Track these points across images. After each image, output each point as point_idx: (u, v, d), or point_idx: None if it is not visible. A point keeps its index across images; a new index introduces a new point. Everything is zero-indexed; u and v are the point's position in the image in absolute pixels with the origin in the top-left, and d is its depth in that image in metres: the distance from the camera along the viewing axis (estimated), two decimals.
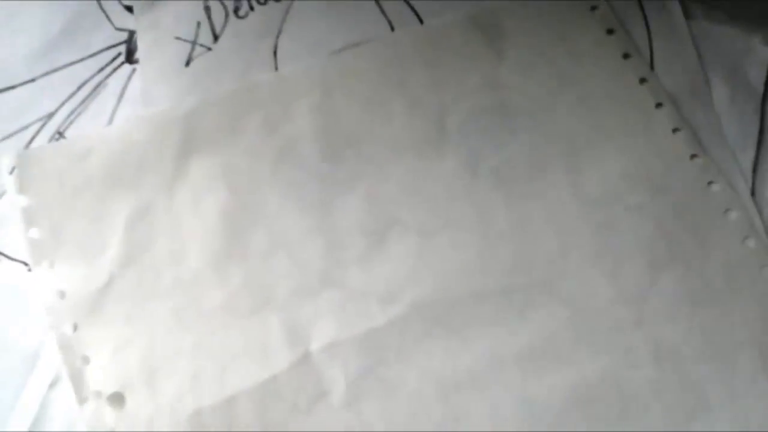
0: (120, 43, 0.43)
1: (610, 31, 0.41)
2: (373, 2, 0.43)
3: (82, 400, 0.34)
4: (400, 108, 0.39)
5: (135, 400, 0.34)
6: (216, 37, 0.42)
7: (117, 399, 0.34)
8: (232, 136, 0.39)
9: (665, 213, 0.37)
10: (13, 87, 0.42)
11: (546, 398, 0.34)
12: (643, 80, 0.40)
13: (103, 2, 0.44)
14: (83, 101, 0.41)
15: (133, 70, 0.42)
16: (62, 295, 0.36)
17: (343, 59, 0.40)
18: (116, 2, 0.43)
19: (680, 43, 0.41)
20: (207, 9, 0.43)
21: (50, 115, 0.41)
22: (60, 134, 0.40)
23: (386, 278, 0.36)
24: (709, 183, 0.37)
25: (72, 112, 0.41)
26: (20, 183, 0.38)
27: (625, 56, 0.40)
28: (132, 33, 0.43)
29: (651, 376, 0.34)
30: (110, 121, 0.41)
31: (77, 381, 0.35)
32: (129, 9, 0.44)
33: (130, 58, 0.42)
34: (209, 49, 0.42)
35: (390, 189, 0.38)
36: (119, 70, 0.42)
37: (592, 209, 0.37)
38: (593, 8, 0.41)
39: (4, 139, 0.41)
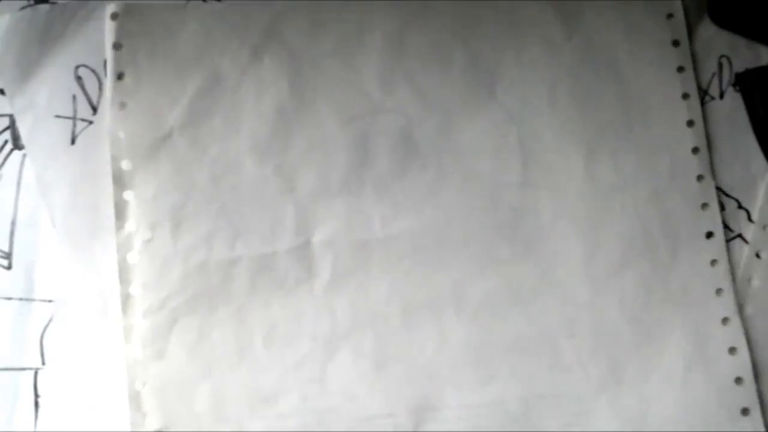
0: (3, 130, 0.42)
1: (675, 43, 0.44)
2: None
3: (119, 228, 0.40)
4: (459, 61, 0.43)
5: (160, 239, 0.40)
6: (94, 109, 0.42)
7: (147, 237, 0.40)
8: (307, 45, 0.43)
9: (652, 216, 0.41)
10: None
11: (490, 339, 0.39)
12: (686, 96, 0.43)
13: None
14: None
15: (24, 156, 0.42)
16: (124, 134, 0.42)
17: (419, 2, 0.44)
18: None
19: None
20: (79, 79, 0.43)
21: None
22: None
23: (396, 202, 0.41)
24: (703, 205, 0.41)
25: None
26: (119, 29, 0.43)
27: (679, 69, 0.43)
28: (13, 117, 0.42)
29: (582, 346, 0.39)
30: (14, 212, 0.41)
31: (121, 214, 0.41)
32: (2, 92, 0.42)
33: (17, 143, 0.42)
34: (90, 122, 0.42)
35: (427, 128, 0.42)
36: (10, 158, 0.42)
37: (598, 190, 0.41)
38: (669, 16, 0.44)
39: None
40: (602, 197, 0.41)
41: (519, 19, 0.44)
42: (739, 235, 0.42)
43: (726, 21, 0.44)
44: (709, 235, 0.41)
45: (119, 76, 0.42)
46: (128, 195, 0.41)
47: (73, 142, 0.42)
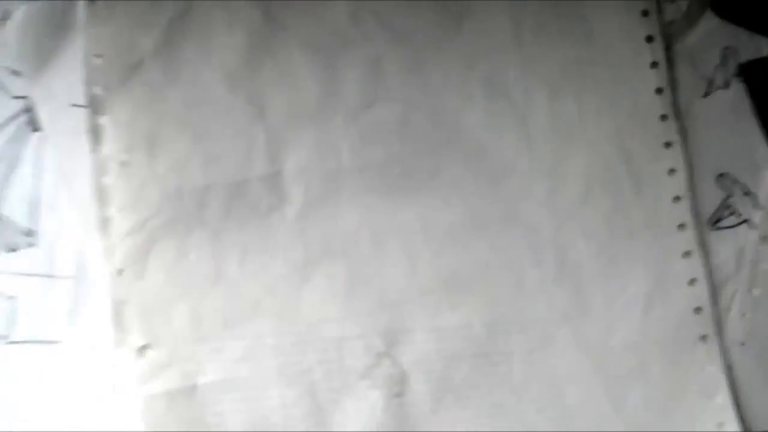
0: (21, 112, 0.42)
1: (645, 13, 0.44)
2: None
3: (95, 152, 0.41)
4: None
5: (137, 162, 0.41)
6: None
7: (123, 159, 0.41)
8: None
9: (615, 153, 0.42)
10: None
11: (457, 267, 0.41)
12: (650, 38, 0.44)
13: None
14: (4, 177, 0.41)
15: (42, 137, 0.42)
16: (99, 60, 0.42)
17: None
18: (5, 69, 0.42)
19: None
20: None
21: None
22: None
23: (364, 133, 0.42)
24: (666, 144, 0.43)
25: None
26: None
27: (644, 13, 0.44)
28: (31, 99, 0.42)
29: (547, 275, 0.41)
30: (35, 192, 0.41)
31: (97, 138, 0.41)
32: (19, 73, 0.42)
33: (35, 125, 0.42)
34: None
35: (394, 61, 0.43)
36: (29, 140, 0.42)
37: (561, 127, 0.42)
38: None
39: None
40: (565, 134, 0.42)
41: None
42: (747, 221, 0.43)
43: (728, 12, 0.44)
44: (672, 171, 0.43)
45: (92, 1, 0.42)
46: (103, 120, 0.41)
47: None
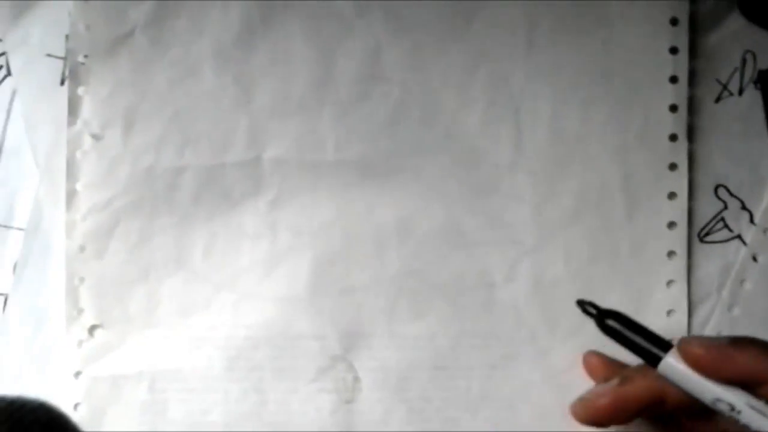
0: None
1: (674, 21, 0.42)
2: None
3: (71, 124, 0.40)
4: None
5: (111, 139, 0.40)
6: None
7: (97, 133, 0.40)
8: None
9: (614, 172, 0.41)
10: None
11: (429, 274, 0.40)
12: (674, 50, 0.41)
13: None
14: None
15: (13, 83, 0.41)
16: (85, 27, 0.41)
17: None
18: None
19: None
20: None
21: None
22: None
23: (352, 127, 0.41)
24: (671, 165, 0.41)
25: None
26: None
27: (672, 22, 0.41)
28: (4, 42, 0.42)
29: (520, 292, 0.40)
30: (1, 140, 0.41)
31: (73, 109, 0.40)
32: None
33: (8, 70, 0.41)
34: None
35: (395, 55, 0.41)
36: (3, 85, 0.42)
37: (561, 140, 0.41)
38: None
39: None
40: (565, 147, 0.41)
41: None
42: (738, 236, 0.41)
43: (756, 15, 0.42)
44: (672, 195, 0.41)
45: None
46: (82, 90, 0.40)
47: (62, 83, 0.41)
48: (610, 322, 0.34)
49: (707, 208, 0.41)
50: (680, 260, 0.40)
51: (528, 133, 0.41)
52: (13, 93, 0.41)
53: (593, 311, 0.35)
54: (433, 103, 0.41)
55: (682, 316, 0.40)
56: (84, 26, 0.40)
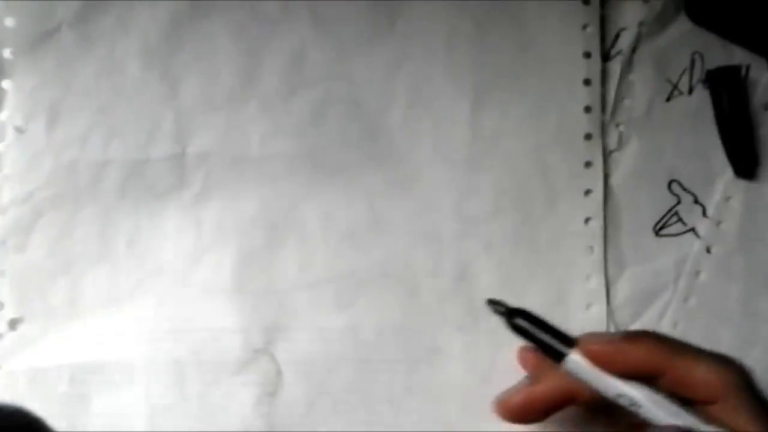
0: None
1: (585, 1, 0.43)
2: None
3: None
4: None
5: (34, 131, 0.40)
6: None
7: (19, 126, 0.40)
8: None
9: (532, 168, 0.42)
10: None
11: (352, 268, 0.41)
12: (587, 54, 0.43)
13: None
14: None
15: None
16: (12, 22, 0.40)
17: None
18: None
19: None
20: None
21: None
22: None
23: (277, 122, 0.41)
24: (587, 163, 0.42)
25: None
26: None
27: (584, 27, 0.43)
28: None
29: (443, 285, 0.41)
30: None
31: None
32: None
33: None
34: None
35: (320, 53, 0.42)
36: None
37: (480, 137, 0.42)
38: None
39: None
40: (483, 144, 0.42)
41: None
42: (692, 229, 0.43)
43: (702, 18, 0.43)
44: (588, 192, 0.42)
45: None
46: (7, 84, 0.40)
47: None
48: (518, 321, 0.35)
49: (661, 202, 0.43)
50: (598, 256, 0.41)
51: (448, 131, 0.42)
52: None
53: (502, 310, 0.35)
54: (355, 100, 0.42)
55: (601, 309, 0.41)
56: (11, 21, 0.40)
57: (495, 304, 0.36)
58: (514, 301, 0.38)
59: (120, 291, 0.39)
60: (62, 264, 0.39)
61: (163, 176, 0.40)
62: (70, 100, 0.40)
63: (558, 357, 0.34)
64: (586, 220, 0.42)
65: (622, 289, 0.42)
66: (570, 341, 0.34)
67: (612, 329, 0.41)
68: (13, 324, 0.38)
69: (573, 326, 0.39)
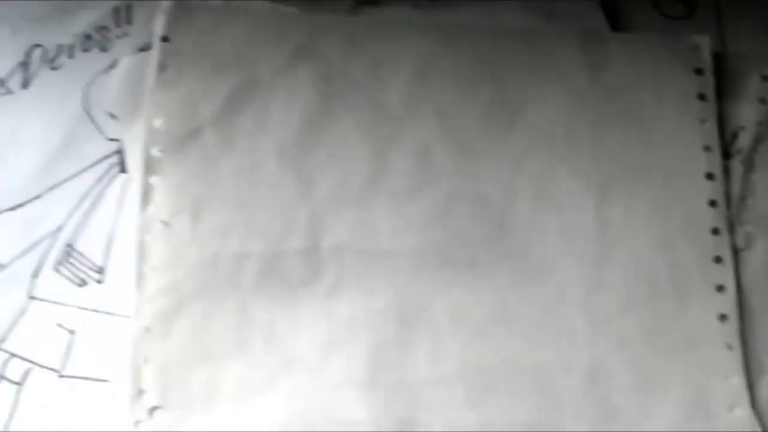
0: (112, 153, 0.44)
1: (701, 96, 0.44)
2: None
3: (143, 209, 0.42)
4: (483, 90, 0.45)
5: (179, 225, 0.42)
6: None
7: (166, 220, 0.42)
8: (341, 59, 0.45)
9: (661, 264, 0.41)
10: (21, 205, 0.43)
11: (484, 364, 0.40)
12: (707, 148, 0.43)
13: (92, 113, 0.45)
14: (87, 213, 0.43)
15: (127, 179, 0.43)
16: (160, 123, 0.43)
17: (453, 30, 0.46)
18: (105, 113, 0.45)
19: None
20: None
21: (59, 229, 0.43)
22: (70, 246, 0.42)
23: (406, 218, 0.42)
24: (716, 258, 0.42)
25: (78, 225, 0.43)
26: (167, 23, 0.45)
27: (703, 122, 0.43)
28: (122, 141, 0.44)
29: (577, 383, 0.40)
30: (112, 231, 0.43)
31: (146, 197, 0.42)
32: (115, 117, 0.45)
33: (123, 167, 0.44)
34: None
35: (445, 151, 0.43)
36: (115, 181, 0.44)
37: (607, 232, 0.42)
38: (697, 71, 0.44)
39: (16, 258, 0.42)
40: (610, 240, 0.42)
41: (545, 56, 0.45)
42: None
43: None
44: (720, 288, 0.41)
45: (162, 68, 0.44)
46: (155, 180, 0.42)
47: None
48: None
49: None
50: (736, 353, 0.40)
51: (574, 226, 0.42)
52: (124, 190, 0.44)
53: None
54: (481, 197, 0.43)
55: (744, 411, 0.39)
56: (159, 122, 0.43)
57: None
58: (652, 402, 0.38)
59: (255, 383, 0.39)
60: (202, 354, 0.40)
61: (297, 269, 0.41)
62: (212, 195, 0.42)
63: None
64: (721, 317, 0.40)
65: (766, 392, 0.40)
66: None
67: None
68: (152, 412, 0.39)
69: (720, 429, 0.38)
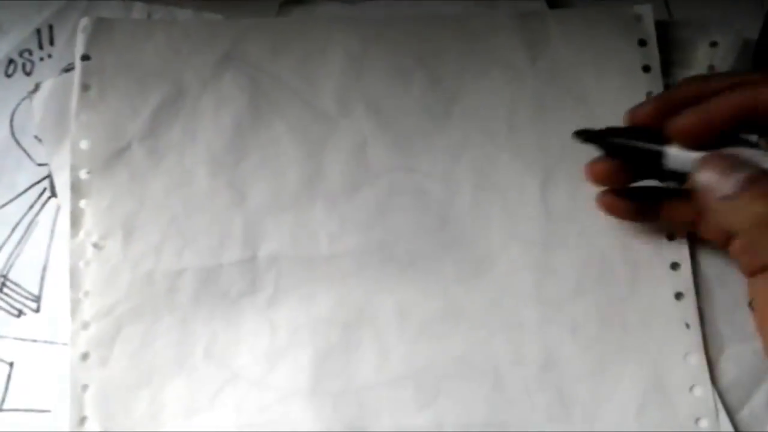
0: (42, 179, 0.44)
1: (646, 68, 0.43)
2: None
3: (74, 234, 0.41)
4: (418, 82, 0.43)
5: (111, 248, 0.41)
6: None
7: (97, 243, 0.41)
8: (269, 62, 0.44)
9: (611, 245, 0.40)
10: None
11: (432, 362, 0.39)
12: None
13: (20, 139, 0.45)
14: (19, 242, 0.42)
15: (56, 205, 0.43)
16: (86, 144, 0.43)
17: (383, 23, 0.45)
18: (31, 137, 0.44)
19: None
20: None
21: None
22: (4, 277, 0.42)
23: (344, 220, 0.41)
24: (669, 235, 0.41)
25: (11, 255, 0.42)
26: (87, 41, 0.44)
27: (648, 94, 0.42)
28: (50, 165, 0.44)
29: (529, 374, 0.39)
30: (46, 257, 0.42)
31: (76, 221, 0.42)
32: (41, 141, 0.44)
33: (53, 192, 0.43)
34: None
35: (380, 147, 0.42)
36: (47, 206, 0.43)
37: (553, 216, 0.41)
38: (641, 42, 0.43)
39: None
40: (557, 224, 0.41)
41: (482, 42, 0.44)
42: None
43: None
44: (675, 266, 0.40)
45: (84, 88, 0.43)
46: (84, 203, 0.42)
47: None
48: (614, 140, 0.36)
49: None
50: (694, 331, 0.39)
51: (519, 210, 0.41)
52: (56, 214, 0.43)
53: (592, 136, 0.36)
54: (420, 190, 0.42)
55: (706, 390, 0.38)
56: (85, 143, 0.42)
57: (580, 135, 0.36)
58: (608, 387, 0.37)
59: (199, 400, 0.39)
60: (143, 375, 0.39)
61: (236, 281, 0.40)
62: (143, 214, 0.41)
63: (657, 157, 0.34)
64: (677, 295, 0.39)
65: (727, 370, 0.39)
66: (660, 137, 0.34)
67: (722, 413, 0.38)
68: None
69: (679, 410, 0.37)
